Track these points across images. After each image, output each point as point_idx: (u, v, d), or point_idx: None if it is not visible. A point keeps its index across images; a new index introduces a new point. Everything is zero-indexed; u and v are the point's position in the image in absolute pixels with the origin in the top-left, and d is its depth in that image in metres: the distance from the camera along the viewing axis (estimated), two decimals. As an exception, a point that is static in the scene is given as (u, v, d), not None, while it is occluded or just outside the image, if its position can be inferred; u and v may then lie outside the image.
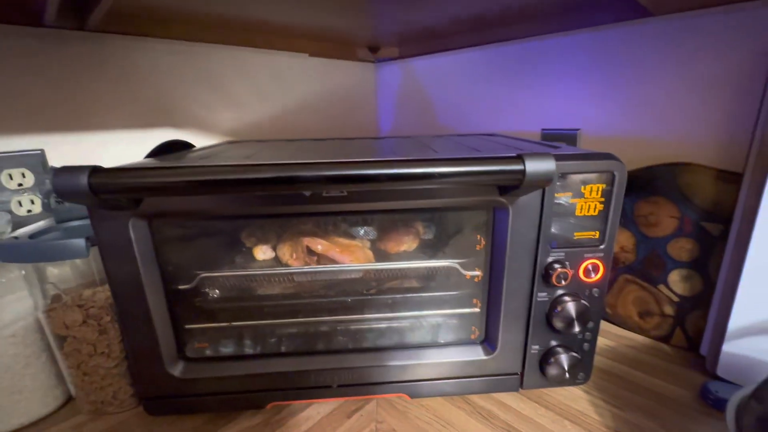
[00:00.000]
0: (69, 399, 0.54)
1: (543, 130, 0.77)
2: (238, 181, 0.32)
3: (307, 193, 0.39)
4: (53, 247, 0.42)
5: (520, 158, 0.35)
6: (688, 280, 0.60)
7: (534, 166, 0.34)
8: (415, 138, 0.74)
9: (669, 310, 0.62)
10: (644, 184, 0.62)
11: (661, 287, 0.62)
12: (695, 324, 0.60)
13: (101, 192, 0.32)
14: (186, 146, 0.62)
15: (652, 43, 0.61)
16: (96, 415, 0.51)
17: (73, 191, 0.32)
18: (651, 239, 0.62)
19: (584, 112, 0.72)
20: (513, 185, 0.36)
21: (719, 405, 0.49)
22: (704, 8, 0.55)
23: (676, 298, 0.61)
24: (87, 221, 0.46)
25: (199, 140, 0.77)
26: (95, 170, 0.32)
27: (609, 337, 0.66)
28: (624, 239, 0.65)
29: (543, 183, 0.35)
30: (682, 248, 0.60)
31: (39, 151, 0.59)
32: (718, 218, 0.56)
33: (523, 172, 0.34)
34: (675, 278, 0.61)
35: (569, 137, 0.73)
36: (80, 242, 0.42)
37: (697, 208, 0.58)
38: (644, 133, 0.65)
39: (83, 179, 0.31)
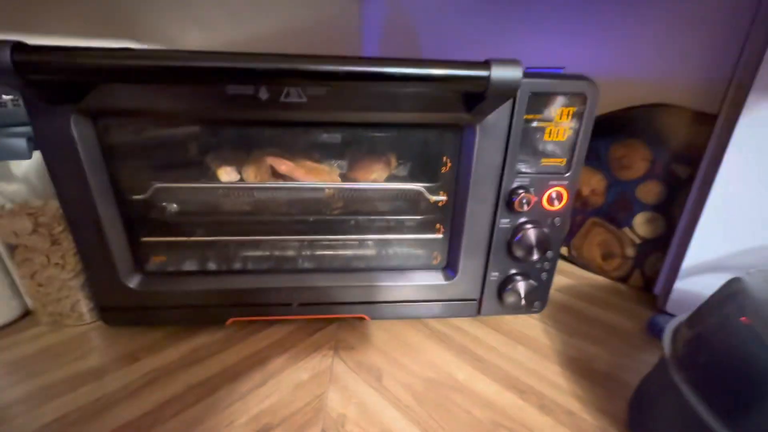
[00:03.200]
0: (27, 312, 0.53)
1: (527, 68, 0.74)
2: (181, 69, 0.30)
3: (264, 97, 0.37)
4: (-9, 146, 0.40)
5: (486, 63, 0.33)
6: (652, 222, 0.61)
7: (500, 73, 0.33)
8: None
9: (630, 252, 0.64)
10: (621, 127, 0.61)
11: (626, 230, 0.64)
12: (653, 265, 0.62)
13: (28, 71, 0.29)
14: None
15: (644, -26, 0.58)
16: (55, 327, 0.51)
17: (-5, 67, 0.29)
18: (622, 182, 0.63)
19: (569, 51, 0.69)
20: (478, 93, 0.34)
21: (662, 335, 0.52)
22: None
23: (638, 240, 0.63)
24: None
25: (164, 60, 0.72)
26: (19, 46, 0.29)
27: (571, 277, 0.68)
28: (596, 182, 0.65)
29: (509, 92, 0.34)
30: (650, 191, 0.60)
31: (-21, 53, 0.54)
32: (687, 160, 0.56)
33: (488, 78, 0.33)
34: (640, 221, 0.62)
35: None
36: (21, 142, 0.40)
37: (669, 151, 0.58)
38: (626, 73, 0.63)
39: (5, 55, 0.29)
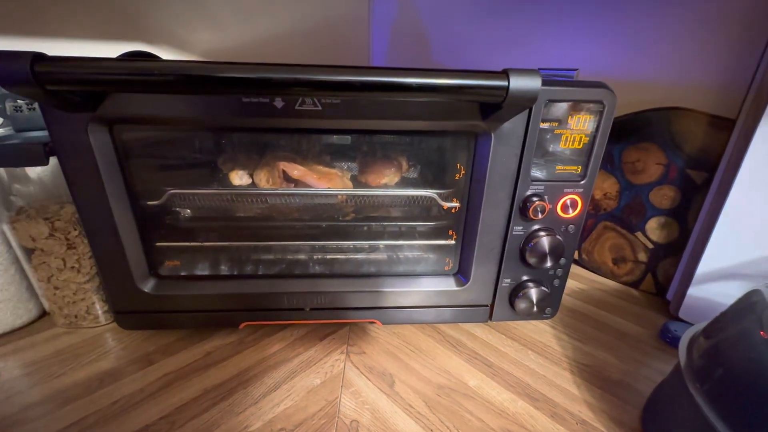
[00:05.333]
0: (44, 313, 0.54)
1: (540, 69, 0.73)
2: (197, 80, 0.30)
3: (279, 105, 0.37)
4: (10, 151, 0.40)
5: (504, 73, 0.32)
6: (666, 227, 0.60)
7: (518, 83, 0.32)
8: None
9: (643, 256, 0.63)
10: (636, 130, 0.61)
11: (638, 234, 0.63)
12: (666, 271, 0.61)
13: (47, 81, 0.29)
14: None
15: (663, -26, 0.57)
16: (71, 329, 0.52)
17: (16, 79, 0.29)
18: (635, 186, 0.62)
19: (583, 52, 0.68)
20: (496, 103, 0.34)
21: (675, 343, 0.51)
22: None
23: (651, 245, 0.62)
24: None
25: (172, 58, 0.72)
26: (38, 57, 0.29)
27: (582, 281, 0.68)
28: (608, 186, 0.65)
29: (527, 102, 0.34)
30: (664, 196, 0.60)
31: (-6, 56, 0.54)
32: (703, 166, 0.56)
33: (506, 88, 0.32)
34: (653, 225, 0.61)
35: (566, 78, 0.69)
36: (38, 147, 0.40)
37: (684, 156, 0.57)
38: (642, 76, 0.62)
39: (25, 65, 0.29)
